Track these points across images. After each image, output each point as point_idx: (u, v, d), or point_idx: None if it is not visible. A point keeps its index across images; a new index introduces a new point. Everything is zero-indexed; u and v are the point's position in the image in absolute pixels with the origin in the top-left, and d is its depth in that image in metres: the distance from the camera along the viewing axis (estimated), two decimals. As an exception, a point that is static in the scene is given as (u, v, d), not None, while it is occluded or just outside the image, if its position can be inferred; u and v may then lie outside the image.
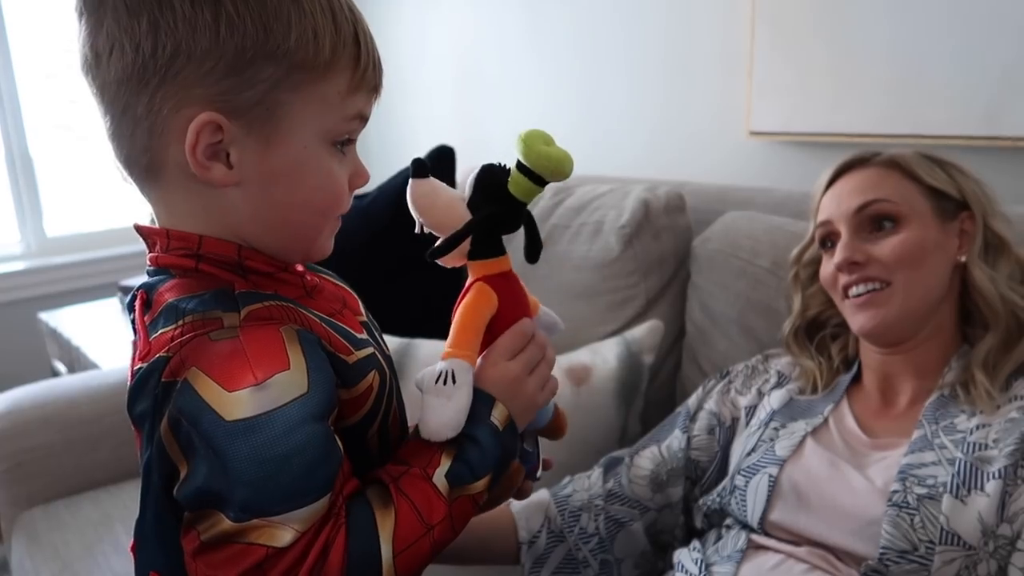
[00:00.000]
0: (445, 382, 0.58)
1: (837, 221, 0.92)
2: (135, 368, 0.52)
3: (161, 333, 0.51)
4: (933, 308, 0.89)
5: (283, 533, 0.48)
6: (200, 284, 0.53)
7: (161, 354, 0.49)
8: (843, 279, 0.90)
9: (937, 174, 0.90)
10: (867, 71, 1.35)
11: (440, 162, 1.43)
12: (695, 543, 0.94)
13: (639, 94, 1.75)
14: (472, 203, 0.64)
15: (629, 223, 1.27)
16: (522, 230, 0.67)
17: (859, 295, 0.89)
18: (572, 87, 1.89)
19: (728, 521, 0.91)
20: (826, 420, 0.91)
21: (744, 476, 0.90)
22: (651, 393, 1.23)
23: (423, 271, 1.41)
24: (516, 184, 0.62)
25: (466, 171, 1.71)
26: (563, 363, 1.19)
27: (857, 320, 0.90)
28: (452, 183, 1.45)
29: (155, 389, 0.49)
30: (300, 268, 0.62)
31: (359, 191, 1.59)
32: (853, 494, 0.81)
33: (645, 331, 1.20)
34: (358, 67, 0.55)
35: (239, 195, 0.54)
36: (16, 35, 2.27)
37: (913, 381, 0.90)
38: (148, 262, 0.56)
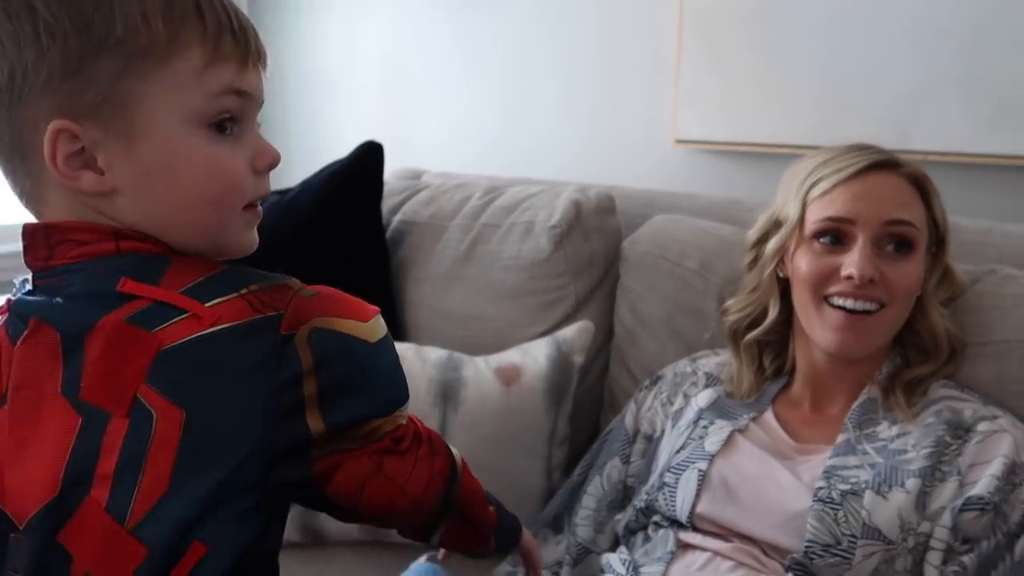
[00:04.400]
0: None
1: (860, 223, 0.84)
2: (184, 336, 0.50)
3: (226, 300, 0.50)
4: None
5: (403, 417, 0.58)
6: (197, 262, 0.54)
7: (261, 315, 0.50)
8: (840, 287, 0.84)
9: (939, 204, 0.88)
10: (791, 84, 1.39)
11: (368, 157, 1.39)
12: (621, 548, 0.95)
13: (567, 101, 1.76)
14: None
15: (560, 223, 1.26)
16: None
17: (849, 311, 0.84)
18: (498, 92, 1.88)
19: (656, 519, 0.92)
20: (749, 425, 0.92)
21: (674, 473, 0.90)
22: (578, 395, 1.22)
23: (346, 267, 1.38)
24: None
25: (394, 170, 1.69)
26: (492, 363, 1.18)
27: (833, 337, 0.85)
28: (379, 180, 1.41)
29: (272, 342, 0.50)
30: None
31: (280, 187, 1.53)
32: (780, 489, 0.82)
33: (575, 331, 1.20)
34: (207, 38, 0.52)
35: (125, 200, 0.52)
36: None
37: (845, 390, 0.90)
38: (78, 256, 0.52)
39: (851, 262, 0.83)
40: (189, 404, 0.49)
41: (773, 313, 0.94)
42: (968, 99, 1.25)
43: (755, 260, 0.97)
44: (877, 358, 0.90)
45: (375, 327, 0.55)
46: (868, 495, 0.78)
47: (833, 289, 0.86)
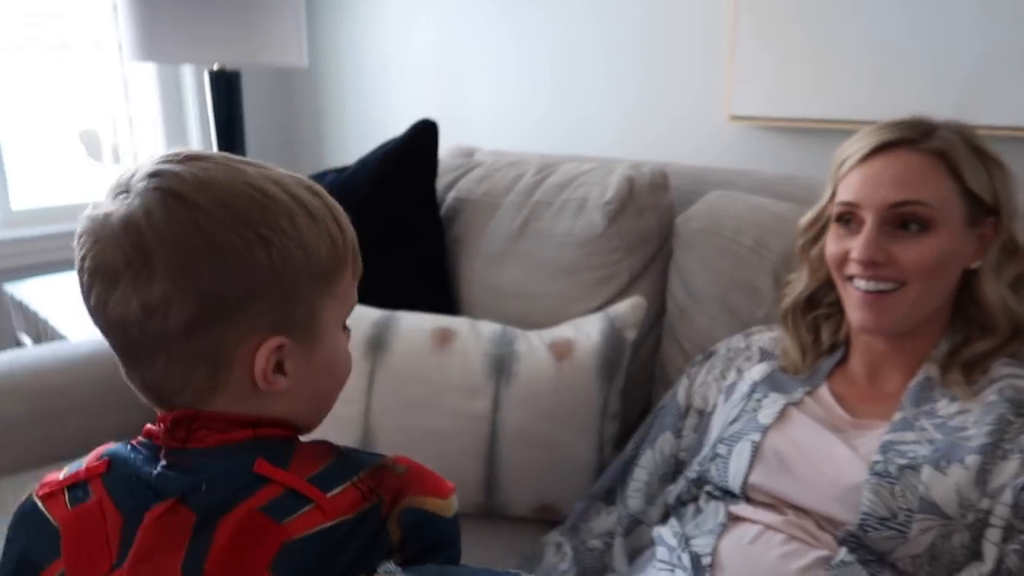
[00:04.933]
0: None
1: (864, 208, 0.85)
2: (308, 529, 0.55)
3: (342, 491, 0.56)
4: (935, 310, 0.87)
5: None
6: (318, 448, 0.60)
7: (369, 504, 0.57)
8: (854, 269, 0.86)
9: (980, 176, 0.84)
10: (847, 58, 1.37)
11: (423, 135, 1.41)
12: (672, 520, 0.96)
13: (618, 77, 1.76)
14: None
15: (614, 199, 1.27)
16: None
17: (868, 291, 0.85)
18: (550, 69, 1.89)
19: (708, 488, 0.92)
20: (803, 399, 0.92)
21: (727, 444, 0.90)
22: (630, 371, 1.23)
23: (403, 244, 1.41)
24: None
25: (447, 148, 1.71)
26: (545, 338, 1.19)
27: (859, 315, 0.87)
28: (434, 157, 1.43)
29: (372, 528, 0.57)
30: None
31: (338, 165, 1.56)
32: (835, 461, 0.82)
33: (628, 307, 1.21)
34: (354, 255, 0.62)
35: (291, 395, 0.59)
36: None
37: (901, 366, 0.89)
38: (216, 442, 0.58)
39: (855, 245, 0.85)
40: None
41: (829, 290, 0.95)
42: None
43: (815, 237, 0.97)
44: (932, 335, 0.88)
45: (452, 504, 0.62)
46: (926, 470, 0.77)
47: (850, 271, 0.87)
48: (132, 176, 0.57)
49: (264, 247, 0.54)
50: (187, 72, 2.50)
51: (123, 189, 0.56)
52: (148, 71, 2.50)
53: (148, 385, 0.58)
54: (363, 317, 1.20)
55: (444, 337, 1.18)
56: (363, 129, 2.37)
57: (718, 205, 1.25)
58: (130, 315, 0.54)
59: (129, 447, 0.59)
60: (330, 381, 0.63)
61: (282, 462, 0.57)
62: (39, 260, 2.27)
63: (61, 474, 0.60)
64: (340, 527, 0.55)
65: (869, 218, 0.85)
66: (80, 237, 0.57)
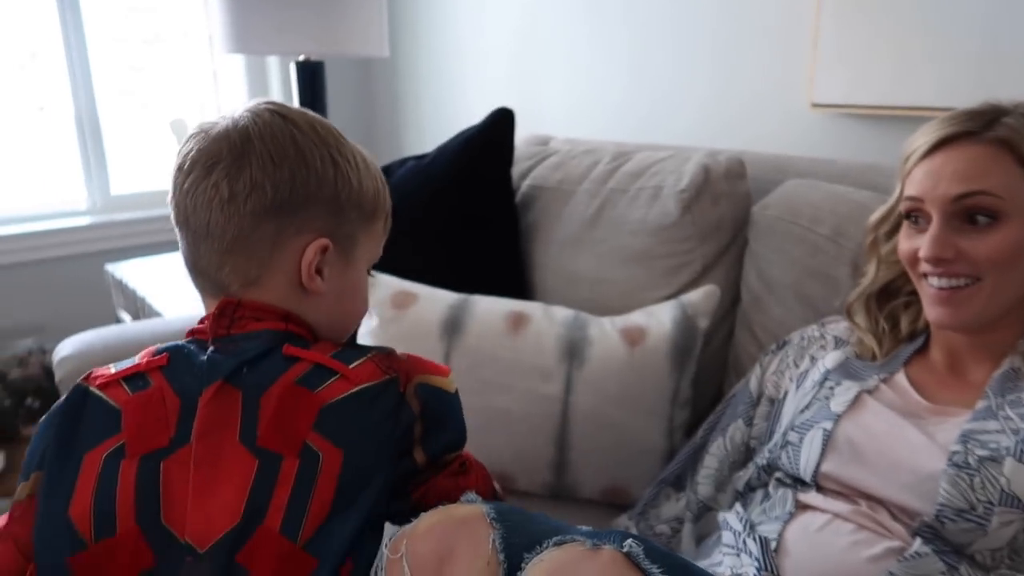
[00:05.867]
0: None
1: (929, 203, 0.84)
2: (339, 394, 0.65)
3: (362, 363, 0.67)
4: (1017, 301, 0.85)
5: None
6: (329, 341, 0.71)
7: (388, 377, 0.67)
8: (925, 267, 0.85)
9: None
10: (946, 41, 1.31)
11: (501, 123, 1.44)
12: (737, 505, 0.96)
13: (692, 63, 1.74)
14: None
15: (689, 188, 1.27)
16: None
17: (941, 288, 0.84)
18: (625, 57, 1.88)
19: (778, 475, 0.92)
20: (879, 385, 0.90)
21: (798, 432, 0.90)
22: (703, 359, 1.23)
23: (479, 230, 1.44)
24: None
25: (523, 136, 1.73)
26: (618, 324, 1.20)
27: (934, 312, 0.86)
28: (511, 145, 1.46)
29: (396, 396, 0.66)
30: None
31: (416, 151, 1.60)
32: (911, 449, 0.81)
33: (701, 295, 1.21)
34: (388, 212, 0.75)
35: (321, 302, 0.70)
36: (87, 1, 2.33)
37: (984, 359, 0.87)
38: (267, 326, 0.68)
39: (923, 244, 0.84)
40: (346, 446, 0.63)
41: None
42: None
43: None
44: (1016, 326, 0.86)
45: (452, 382, 0.71)
46: (1009, 462, 0.75)
47: (922, 268, 0.86)
48: (239, 109, 0.69)
49: (333, 166, 0.68)
50: (273, 63, 2.59)
51: (233, 113, 0.69)
52: (236, 62, 2.60)
53: (211, 268, 0.68)
54: (440, 299, 1.24)
55: (518, 320, 1.20)
56: (440, 118, 2.42)
57: (796, 193, 1.23)
58: (217, 198, 0.66)
59: (182, 343, 0.69)
60: (352, 304, 0.74)
61: (306, 347, 0.67)
62: (138, 242, 2.41)
63: (112, 368, 0.69)
64: (366, 392, 0.65)
65: (935, 214, 0.83)
66: (188, 140, 0.68)
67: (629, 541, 0.59)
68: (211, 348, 0.66)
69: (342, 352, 0.68)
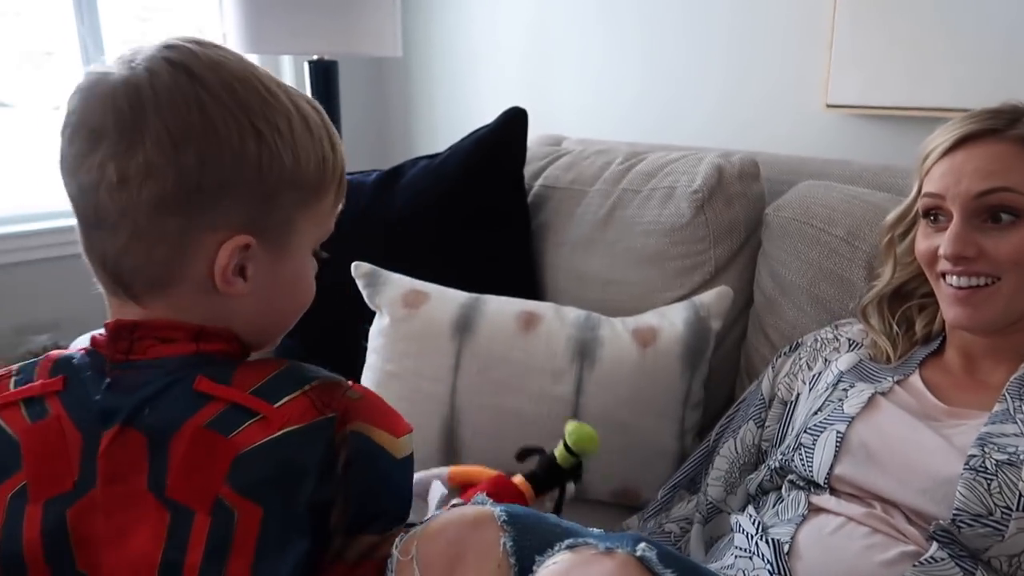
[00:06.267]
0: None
1: (950, 200, 0.83)
2: (257, 441, 0.55)
3: (291, 399, 0.56)
4: None
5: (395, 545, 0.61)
6: (262, 362, 0.59)
7: (322, 417, 0.56)
8: (944, 266, 0.84)
9: None
10: (964, 42, 1.31)
11: (513, 123, 1.44)
12: (750, 508, 0.95)
13: (706, 64, 1.73)
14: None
15: (702, 188, 1.26)
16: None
17: (960, 287, 0.83)
18: (638, 57, 1.88)
19: (791, 478, 0.91)
20: (893, 387, 0.89)
21: (811, 434, 0.89)
22: (715, 361, 1.22)
23: (491, 230, 1.44)
24: (560, 454, 0.91)
25: (535, 136, 1.72)
26: (630, 324, 1.20)
27: (952, 312, 0.84)
28: (523, 145, 1.45)
29: (328, 441, 0.56)
30: None
31: (428, 151, 1.60)
32: (927, 452, 0.80)
33: (714, 297, 1.20)
34: (340, 181, 0.63)
35: (247, 302, 0.59)
36: None
37: (1001, 361, 0.86)
38: (156, 354, 0.57)
39: (944, 241, 0.82)
40: (265, 501, 0.54)
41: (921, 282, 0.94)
42: None
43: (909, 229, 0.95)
44: None
45: (404, 444, 0.60)
46: (1027, 467, 0.74)
47: (941, 267, 0.84)
48: (143, 47, 0.55)
49: (256, 140, 0.54)
50: (286, 63, 2.60)
51: (131, 57, 0.55)
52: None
53: (106, 261, 0.56)
54: (450, 299, 1.24)
55: (529, 321, 1.20)
56: (453, 118, 2.42)
57: (810, 195, 1.22)
58: (103, 181, 0.53)
59: (79, 357, 0.58)
60: (289, 300, 0.62)
61: (224, 377, 0.56)
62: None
63: (11, 382, 0.58)
64: (291, 437, 0.55)
65: (956, 212, 0.82)
66: (73, 94, 0.55)
67: (642, 545, 0.59)
68: (107, 380, 0.56)
69: (272, 382, 0.57)
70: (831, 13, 1.46)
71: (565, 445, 0.90)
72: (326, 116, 0.61)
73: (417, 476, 0.87)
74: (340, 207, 0.64)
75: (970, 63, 1.30)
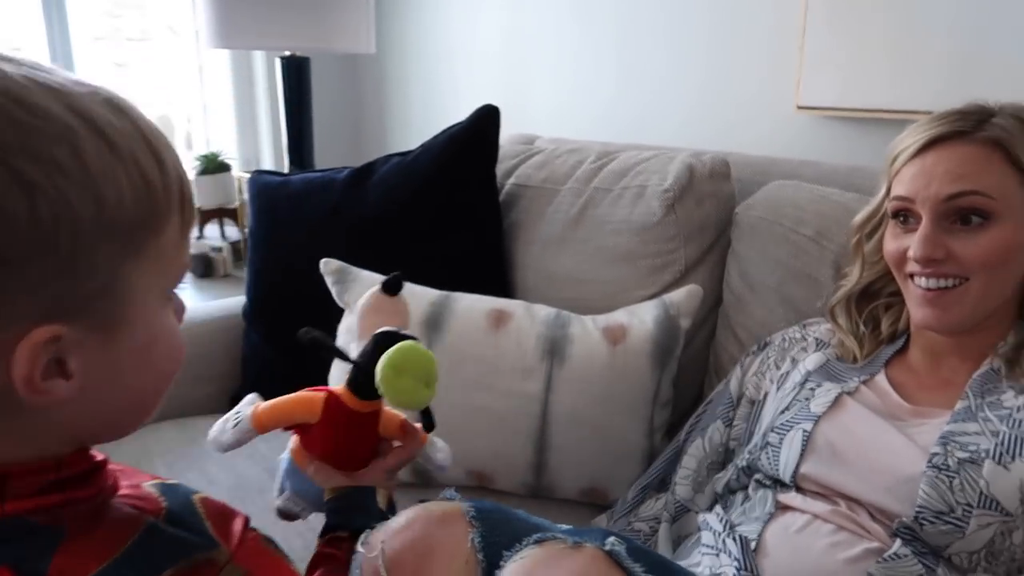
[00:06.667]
0: (230, 420, 0.74)
1: (920, 203, 0.82)
2: None
3: None
4: (1002, 303, 0.84)
5: None
6: (110, 524, 0.42)
7: None
8: (914, 267, 0.84)
9: None
10: (927, 46, 1.32)
11: (486, 120, 1.43)
12: (717, 508, 0.95)
13: (681, 66, 1.74)
14: (364, 351, 0.72)
15: (673, 187, 1.26)
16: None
17: (929, 288, 0.83)
18: (613, 59, 1.88)
19: (757, 476, 0.91)
20: (859, 387, 0.90)
21: (777, 433, 0.89)
22: (684, 359, 1.22)
23: (462, 228, 1.43)
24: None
25: (509, 135, 1.72)
26: (600, 322, 1.19)
27: (921, 313, 0.85)
28: (496, 143, 1.45)
29: None
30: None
31: (402, 149, 1.59)
32: (891, 451, 0.81)
33: (684, 295, 1.20)
34: (183, 202, 0.44)
35: (79, 404, 0.42)
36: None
37: (965, 359, 0.87)
38: None
39: (913, 243, 0.83)
40: None
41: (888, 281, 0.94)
42: None
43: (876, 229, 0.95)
44: (999, 328, 0.86)
45: None
46: (988, 464, 0.75)
47: (909, 269, 0.85)
48: None
49: (24, 192, 0.36)
50: (258, 58, 2.57)
51: None
52: (222, 59, 2.58)
53: None
54: (420, 296, 1.22)
55: (499, 318, 1.19)
56: (426, 115, 2.41)
57: (779, 194, 1.23)
58: None
59: None
60: (146, 375, 0.45)
61: (39, 560, 0.38)
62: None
63: None
64: None
65: (925, 214, 0.82)
66: None
67: (611, 539, 0.58)
68: None
69: (118, 563, 0.40)
70: (803, 16, 1.47)
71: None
72: (138, 114, 0.43)
73: (230, 435, 0.73)
74: (192, 232, 0.47)
75: (937, 66, 1.32)
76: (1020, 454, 0.75)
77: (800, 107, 1.51)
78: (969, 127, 0.82)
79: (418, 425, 0.77)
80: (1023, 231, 0.81)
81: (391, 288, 0.82)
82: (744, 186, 1.33)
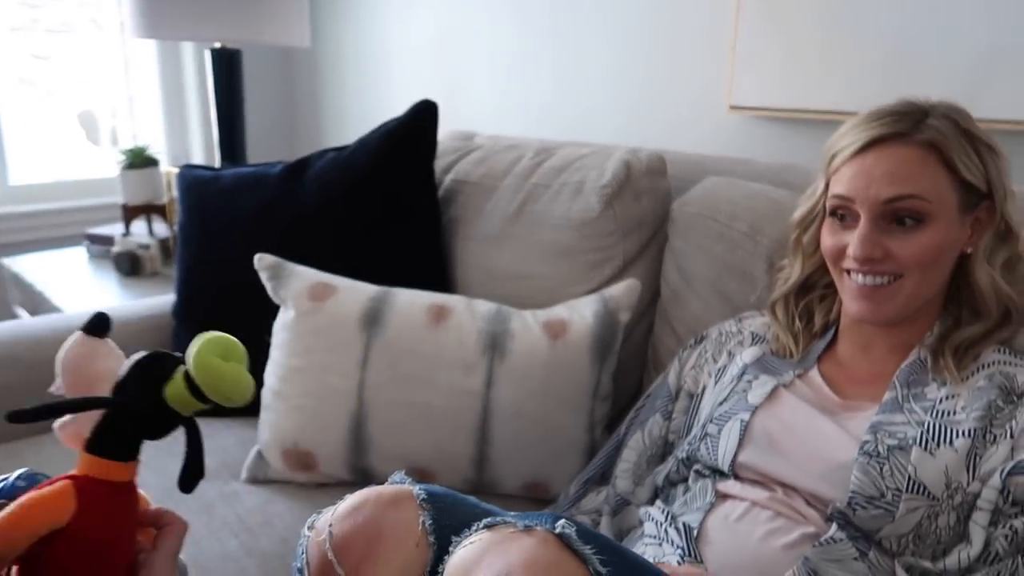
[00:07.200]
0: None
1: (859, 203, 0.84)
2: None
3: None
4: (932, 297, 0.88)
5: None
6: None
7: None
8: (851, 264, 0.86)
9: (972, 163, 0.83)
10: (855, 49, 1.37)
11: (423, 115, 1.42)
12: (658, 502, 0.96)
13: (619, 66, 1.76)
14: (120, 388, 0.58)
15: (611, 183, 1.27)
16: (185, 447, 0.59)
17: (865, 284, 0.85)
18: (551, 58, 1.89)
19: (697, 467, 0.93)
20: (794, 381, 0.92)
21: (716, 424, 0.91)
22: (623, 353, 1.23)
23: (400, 224, 1.41)
24: (174, 389, 0.57)
25: (448, 133, 1.70)
26: (540, 317, 1.19)
27: (856, 306, 0.87)
28: (434, 138, 1.43)
29: None
30: None
31: (338, 144, 1.56)
32: (824, 439, 0.83)
33: (622, 290, 1.21)
34: None
35: None
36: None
37: (893, 349, 0.90)
38: None
39: (852, 242, 0.85)
40: None
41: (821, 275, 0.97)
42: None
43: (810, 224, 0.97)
44: (925, 320, 0.89)
45: None
46: (915, 451, 0.78)
47: (846, 265, 0.87)
48: None
49: None
50: (187, 50, 2.49)
51: None
52: (148, 51, 2.50)
53: None
54: (359, 292, 1.20)
55: (439, 314, 1.18)
56: (362, 111, 2.37)
57: (714, 191, 1.25)
58: None
59: None
60: None
61: None
62: (35, 236, 2.27)
63: None
64: None
65: (864, 214, 0.84)
66: None
67: (561, 522, 0.58)
68: None
69: None
70: (735, 17, 1.50)
71: (187, 377, 0.57)
72: None
73: None
74: None
75: (861, 68, 1.36)
76: (945, 442, 0.78)
77: (733, 107, 1.54)
78: (906, 128, 0.84)
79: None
80: (953, 231, 0.84)
81: (96, 328, 0.64)
82: (680, 183, 1.35)
